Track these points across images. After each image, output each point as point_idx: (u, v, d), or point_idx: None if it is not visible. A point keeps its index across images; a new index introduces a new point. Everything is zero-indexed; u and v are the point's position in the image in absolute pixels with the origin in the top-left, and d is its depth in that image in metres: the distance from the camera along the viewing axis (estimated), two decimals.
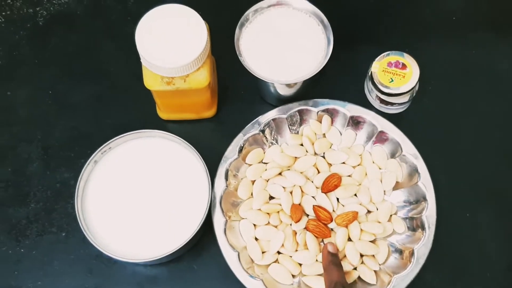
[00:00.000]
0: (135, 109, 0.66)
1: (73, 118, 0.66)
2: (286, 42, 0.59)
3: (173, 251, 0.56)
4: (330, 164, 0.62)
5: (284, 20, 0.60)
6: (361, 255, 0.59)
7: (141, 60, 0.56)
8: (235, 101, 0.67)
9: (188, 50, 0.55)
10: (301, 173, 0.61)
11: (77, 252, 0.61)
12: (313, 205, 0.60)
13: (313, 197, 0.60)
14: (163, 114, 0.65)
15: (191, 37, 0.55)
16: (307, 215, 0.60)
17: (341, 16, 0.68)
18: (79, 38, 0.70)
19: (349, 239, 0.59)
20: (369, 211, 0.60)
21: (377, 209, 0.60)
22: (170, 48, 0.55)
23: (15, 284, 0.60)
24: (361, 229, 0.59)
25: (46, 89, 0.67)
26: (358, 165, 0.62)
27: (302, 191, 0.61)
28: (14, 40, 0.69)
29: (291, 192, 0.60)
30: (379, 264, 0.58)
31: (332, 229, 0.60)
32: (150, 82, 0.57)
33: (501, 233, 0.61)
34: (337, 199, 0.60)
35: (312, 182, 0.61)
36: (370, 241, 0.59)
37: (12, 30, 0.70)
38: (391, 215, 0.60)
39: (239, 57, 0.58)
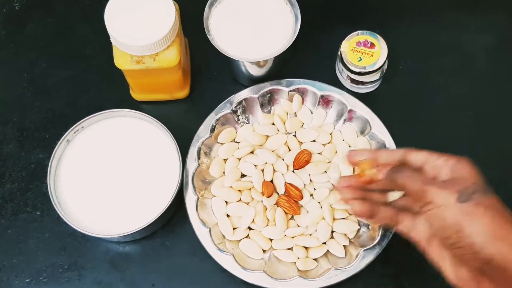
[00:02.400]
0: (109, 91, 0.67)
1: (48, 100, 0.67)
2: (255, 21, 0.60)
3: (144, 226, 0.56)
4: (300, 143, 0.63)
5: (254, 0, 0.61)
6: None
7: (111, 39, 0.57)
8: (208, 82, 0.68)
9: (156, 29, 0.56)
10: (272, 151, 0.62)
11: (51, 231, 0.61)
12: (285, 183, 0.61)
13: (283, 174, 0.61)
14: (137, 95, 0.66)
15: (160, 16, 0.56)
16: (278, 193, 0.61)
17: None
18: (55, 22, 0.71)
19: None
20: None
21: None
22: (138, 27, 0.56)
23: None
24: (333, 207, 0.60)
25: (21, 72, 0.68)
26: (329, 143, 0.63)
27: (274, 169, 0.62)
28: None
29: (262, 170, 0.61)
30: (349, 239, 0.59)
31: (302, 206, 0.61)
32: (120, 61, 0.58)
33: None
34: (309, 175, 0.61)
35: (283, 160, 0.62)
36: (342, 219, 0.60)
37: None
38: None
39: (208, 36, 0.59)
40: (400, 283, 0.59)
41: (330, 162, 0.62)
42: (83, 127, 0.61)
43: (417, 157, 0.49)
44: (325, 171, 0.61)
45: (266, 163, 0.62)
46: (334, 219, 0.59)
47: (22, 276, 0.60)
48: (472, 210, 0.45)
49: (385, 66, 0.64)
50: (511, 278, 0.43)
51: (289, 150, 0.63)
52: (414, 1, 0.71)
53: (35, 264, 0.60)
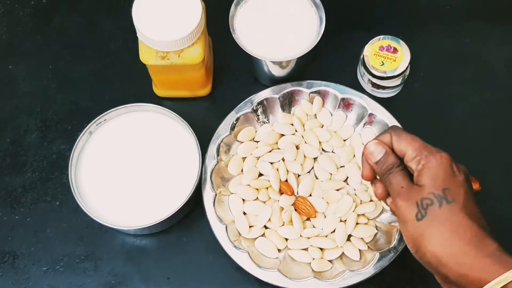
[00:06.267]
0: (132, 86, 0.68)
1: (72, 92, 0.68)
2: (279, 22, 0.61)
3: (161, 220, 0.57)
4: (320, 142, 0.63)
5: (279, 1, 0.62)
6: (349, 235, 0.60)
7: (137, 34, 0.58)
8: (230, 81, 0.68)
9: (183, 25, 0.56)
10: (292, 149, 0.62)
11: (70, 221, 0.62)
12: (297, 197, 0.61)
13: (299, 175, 0.61)
14: (159, 91, 0.67)
15: (186, 13, 0.57)
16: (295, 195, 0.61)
17: (338, 2, 0.70)
18: (81, 16, 0.72)
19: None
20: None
21: (368, 188, 0.61)
22: (165, 23, 0.57)
23: (8, 249, 0.61)
24: (357, 214, 0.60)
25: (47, 64, 0.69)
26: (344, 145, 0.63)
27: (287, 170, 0.62)
28: (18, 17, 0.71)
29: (278, 169, 0.61)
30: (366, 244, 0.59)
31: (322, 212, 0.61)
32: (145, 56, 0.59)
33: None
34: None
35: (295, 160, 0.62)
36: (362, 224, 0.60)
37: (17, 7, 0.72)
38: None
39: (233, 34, 0.60)
40: None
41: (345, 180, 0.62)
42: (105, 119, 0.62)
43: (399, 146, 0.49)
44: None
45: (281, 160, 0.61)
46: (356, 223, 0.59)
47: (39, 264, 0.61)
48: (427, 228, 0.45)
49: (407, 72, 0.65)
50: None
51: (304, 157, 0.63)
52: (436, 10, 0.71)
53: (52, 253, 0.61)
